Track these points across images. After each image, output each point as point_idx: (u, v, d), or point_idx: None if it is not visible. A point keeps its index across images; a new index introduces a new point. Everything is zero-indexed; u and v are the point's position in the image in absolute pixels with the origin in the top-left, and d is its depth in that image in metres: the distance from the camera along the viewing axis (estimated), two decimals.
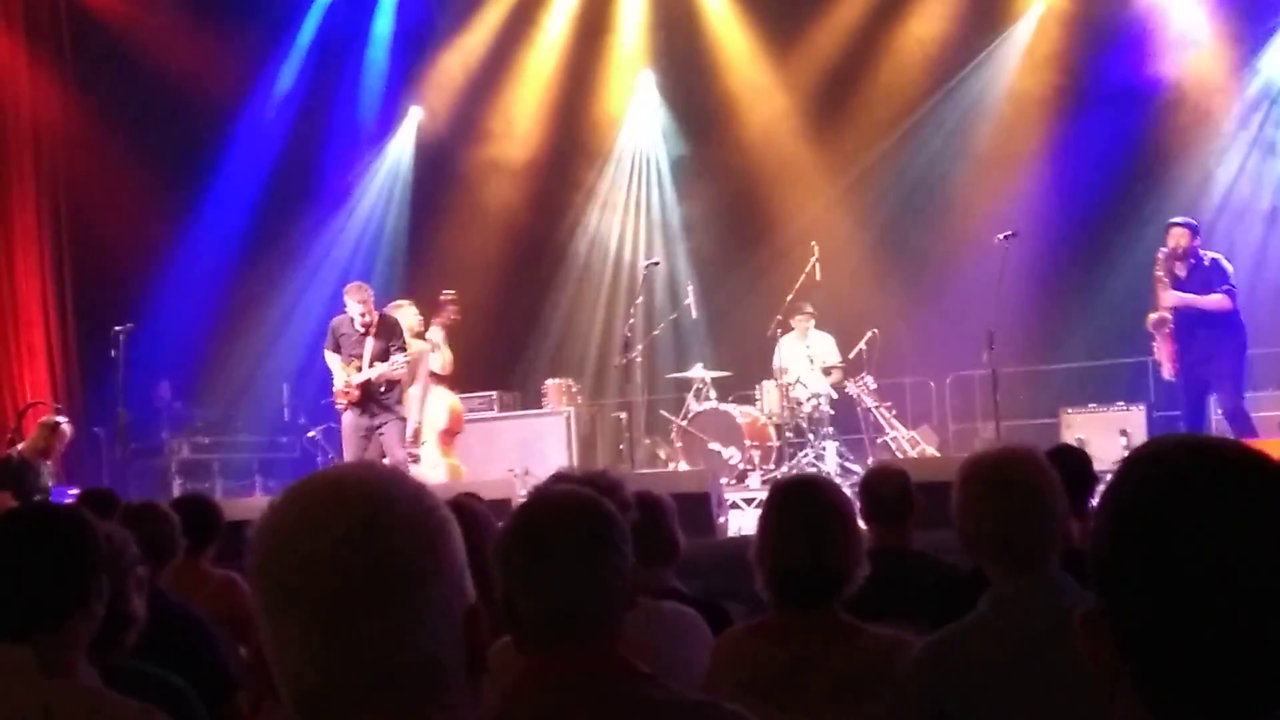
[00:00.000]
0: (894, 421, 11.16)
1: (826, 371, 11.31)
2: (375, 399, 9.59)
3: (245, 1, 14.28)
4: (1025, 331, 11.60)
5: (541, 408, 12.17)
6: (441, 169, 14.85)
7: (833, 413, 11.14)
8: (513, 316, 14.31)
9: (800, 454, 10.96)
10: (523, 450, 11.14)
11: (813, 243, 11.41)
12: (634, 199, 14.88)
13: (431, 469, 10.01)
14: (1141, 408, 10.55)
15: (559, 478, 3.21)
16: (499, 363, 13.67)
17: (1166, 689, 1.14)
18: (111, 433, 11.30)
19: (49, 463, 9.94)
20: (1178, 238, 9.08)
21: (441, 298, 10.27)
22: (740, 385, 12.00)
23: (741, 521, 8.96)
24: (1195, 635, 1.12)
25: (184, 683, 2.89)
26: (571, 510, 2.15)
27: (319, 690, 1.28)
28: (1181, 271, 9.06)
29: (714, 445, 10.91)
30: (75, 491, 8.27)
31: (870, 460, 10.23)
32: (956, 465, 2.98)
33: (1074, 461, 4.02)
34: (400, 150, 15.12)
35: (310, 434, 12.27)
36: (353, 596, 1.27)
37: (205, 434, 13.23)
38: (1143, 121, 12.49)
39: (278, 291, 14.01)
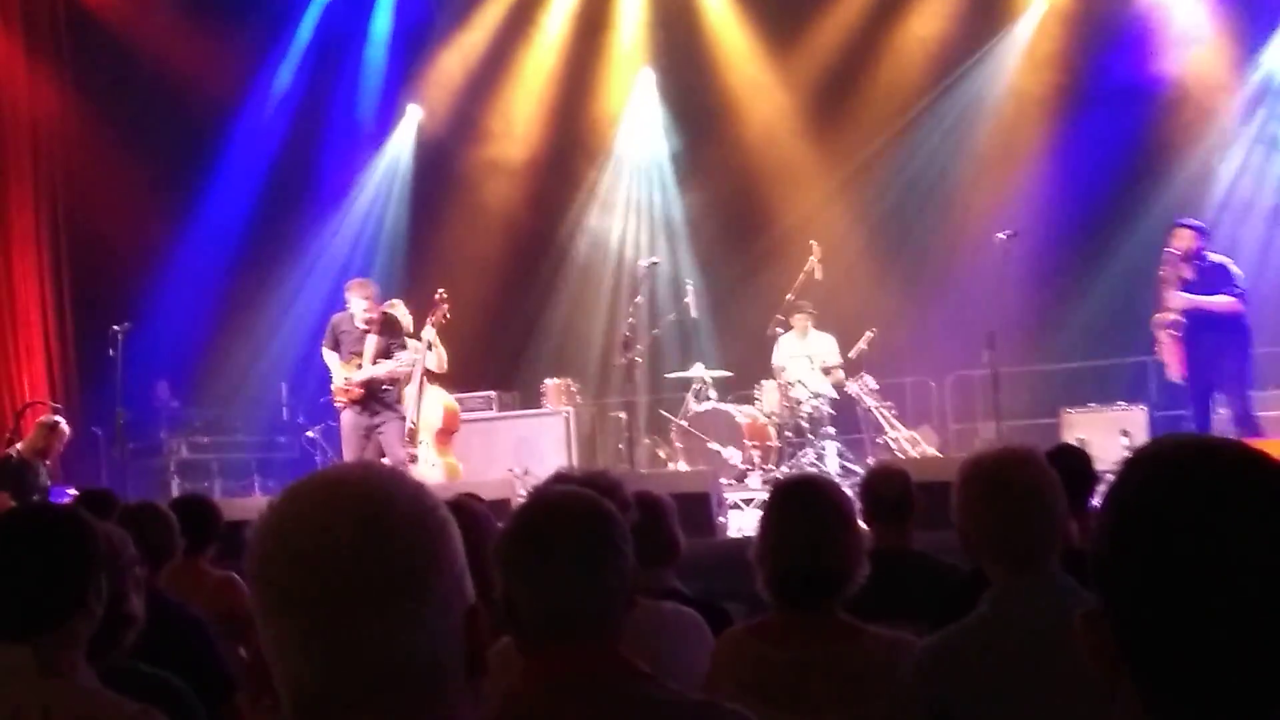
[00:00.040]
0: (894, 421, 11.15)
1: (826, 371, 11.30)
2: (377, 397, 9.55)
3: (244, 0, 14.28)
4: (1026, 331, 11.58)
5: (541, 407, 12.16)
6: (440, 167, 14.84)
7: (833, 413, 11.13)
8: (512, 316, 14.30)
9: (800, 454, 10.96)
10: (522, 450, 11.13)
11: (813, 241, 11.39)
12: (634, 197, 14.88)
13: (429, 468, 9.99)
14: (1143, 407, 10.53)
15: (559, 478, 3.20)
16: (498, 362, 13.66)
17: (1167, 689, 1.14)
18: (110, 432, 11.29)
19: (47, 462, 9.93)
20: (1185, 239, 9.01)
21: (435, 296, 10.26)
22: (740, 385, 11.99)
23: (742, 522, 8.95)
24: (1196, 636, 1.12)
25: (183, 683, 2.89)
26: (572, 511, 2.15)
27: (318, 691, 1.28)
28: (1188, 274, 8.98)
29: (714, 445, 10.91)
30: (73, 491, 8.27)
31: (871, 460, 10.23)
32: (957, 465, 2.98)
33: (1074, 461, 4.03)
34: (399, 149, 15.11)
35: (309, 433, 12.26)
36: (352, 597, 1.27)
37: (204, 433, 13.22)
38: (1144, 120, 12.48)
39: (276, 291, 14.01)
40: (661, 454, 11.94)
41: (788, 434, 11.20)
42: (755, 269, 13.32)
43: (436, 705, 1.31)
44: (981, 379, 10.92)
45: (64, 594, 2.41)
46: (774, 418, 11.28)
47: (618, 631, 2.12)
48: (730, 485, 10.24)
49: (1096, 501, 3.28)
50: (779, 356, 11.45)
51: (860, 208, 13.69)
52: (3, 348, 12.76)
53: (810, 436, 11.01)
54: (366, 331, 9.58)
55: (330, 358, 9.69)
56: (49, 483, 9.75)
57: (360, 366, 9.53)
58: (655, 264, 11.86)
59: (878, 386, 11.23)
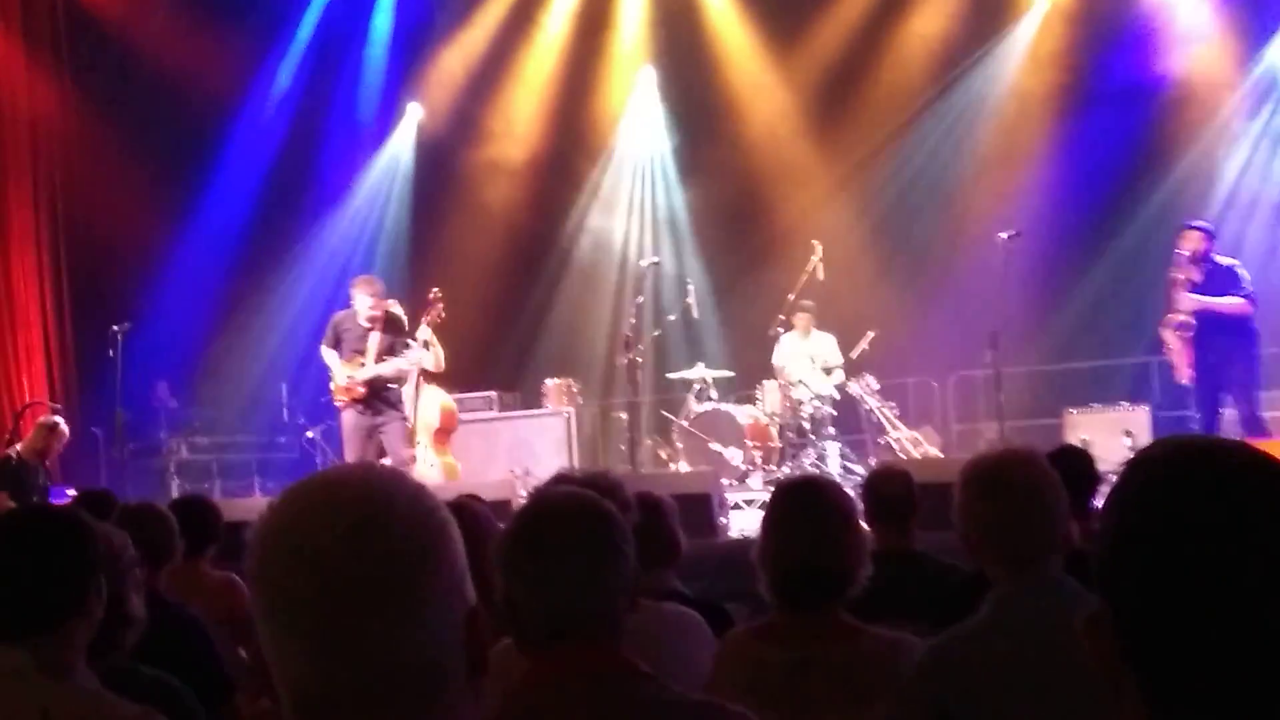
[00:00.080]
0: (896, 422, 11.15)
1: (828, 371, 11.30)
2: (381, 396, 9.48)
3: (243, 0, 14.27)
4: (1029, 331, 11.59)
5: (542, 408, 12.15)
6: (441, 166, 14.85)
7: (835, 413, 11.13)
8: (513, 316, 14.30)
9: (802, 454, 10.95)
10: (523, 451, 11.12)
11: (815, 241, 11.38)
12: (635, 197, 14.88)
13: (427, 468, 9.98)
14: (1145, 408, 10.52)
15: (560, 479, 3.21)
16: (499, 362, 13.66)
17: (1170, 692, 1.13)
18: (109, 433, 11.28)
19: (47, 463, 9.92)
20: (1194, 241, 8.99)
21: (430, 296, 10.23)
22: (742, 385, 11.99)
23: (743, 522, 8.93)
24: (1199, 638, 1.11)
25: (182, 684, 2.89)
26: (573, 512, 2.15)
27: (318, 692, 1.28)
28: (1197, 275, 8.95)
29: (715, 446, 10.90)
30: (73, 492, 8.26)
31: (873, 461, 10.23)
32: (959, 466, 2.98)
33: (1075, 462, 4.03)
34: (399, 148, 15.11)
35: (309, 434, 12.25)
36: (352, 599, 1.26)
37: (203, 434, 13.21)
38: (1147, 119, 12.48)
39: (276, 291, 14.01)
40: (663, 454, 11.94)
41: (789, 434, 11.19)
42: (757, 268, 13.32)
43: (436, 707, 1.31)
44: (984, 379, 10.92)
45: (63, 595, 2.41)
46: (775, 418, 11.27)
47: (619, 632, 2.12)
48: (731, 486, 10.23)
49: (1099, 503, 3.29)
50: (780, 356, 11.45)
51: (862, 207, 13.69)
52: (2, 348, 12.76)
53: (812, 437, 11.01)
54: (370, 329, 9.50)
55: (329, 356, 9.59)
56: (48, 483, 9.74)
57: (363, 365, 9.45)
58: (656, 264, 11.85)
59: (879, 387, 11.22)
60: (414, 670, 1.29)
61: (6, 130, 12.96)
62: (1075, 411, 10.72)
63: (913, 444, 11.06)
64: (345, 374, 9.46)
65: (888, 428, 11.11)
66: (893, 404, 11.38)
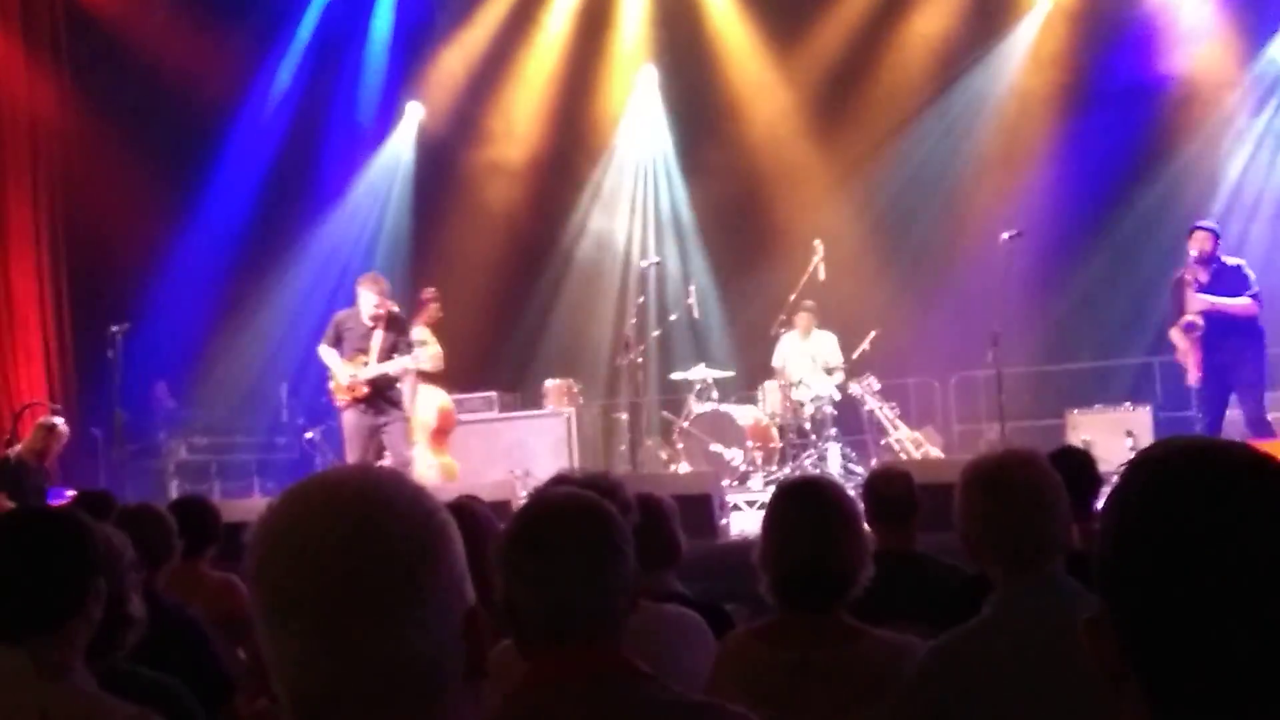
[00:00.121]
0: (898, 422, 11.14)
1: (829, 372, 11.30)
2: (384, 395, 9.41)
3: (243, 0, 14.27)
4: (1030, 332, 11.59)
5: (542, 408, 12.14)
6: (442, 166, 14.85)
7: (836, 414, 11.12)
8: (513, 316, 14.30)
9: (803, 455, 10.95)
10: (523, 451, 11.12)
11: (816, 241, 11.37)
12: (636, 197, 14.88)
13: (425, 469, 9.96)
14: (1147, 408, 10.53)
15: (560, 479, 3.20)
16: (500, 363, 13.66)
17: (1171, 694, 1.13)
18: (108, 433, 11.27)
19: (46, 464, 9.91)
20: (1201, 241, 8.98)
21: (424, 295, 10.19)
22: (743, 385, 11.99)
23: (744, 523, 8.92)
24: (1200, 640, 1.11)
25: (181, 685, 2.88)
26: (573, 512, 2.14)
27: (317, 694, 1.28)
28: (1204, 276, 8.95)
29: (716, 446, 10.90)
30: (71, 493, 8.24)
31: (874, 461, 10.23)
32: (961, 467, 2.98)
33: (1077, 464, 4.04)
34: (400, 148, 15.11)
35: (308, 434, 12.24)
36: (351, 600, 1.27)
37: (203, 435, 13.22)
38: (1149, 119, 12.49)
39: (276, 291, 14.00)
40: (663, 455, 11.93)
41: (790, 435, 11.19)
42: (758, 268, 13.32)
43: (436, 707, 1.31)
44: (986, 380, 10.92)
45: (62, 596, 2.41)
46: (776, 419, 11.27)
47: (619, 633, 2.12)
48: (732, 487, 10.24)
49: (1100, 504, 3.27)
50: (780, 356, 11.45)
51: (863, 207, 13.69)
52: (1, 348, 12.75)
53: (813, 437, 11.00)
54: (374, 327, 9.43)
55: (329, 355, 9.49)
56: (47, 484, 9.73)
57: (366, 363, 9.39)
58: (657, 264, 11.84)
59: (880, 387, 11.22)
60: (413, 670, 1.29)
61: (6, 130, 12.95)
62: (1077, 412, 10.73)
63: (914, 444, 11.05)
64: (348, 372, 9.39)
65: (889, 428, 11.10)
66: (894, 404, 11.37)
